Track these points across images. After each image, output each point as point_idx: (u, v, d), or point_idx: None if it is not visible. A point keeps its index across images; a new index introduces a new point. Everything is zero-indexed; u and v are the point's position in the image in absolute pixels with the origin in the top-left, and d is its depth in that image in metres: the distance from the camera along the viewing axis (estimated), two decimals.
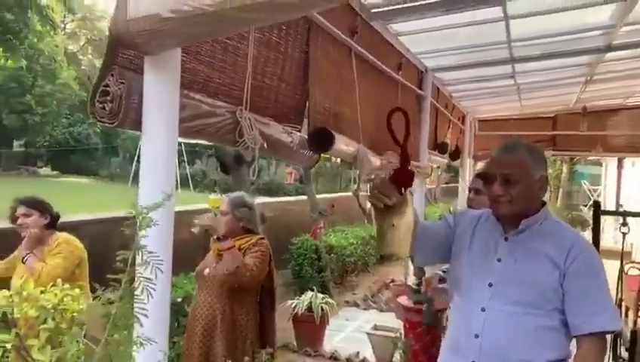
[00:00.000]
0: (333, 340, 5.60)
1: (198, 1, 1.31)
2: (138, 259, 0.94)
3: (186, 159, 26.92)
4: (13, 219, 3.08)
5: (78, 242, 3.11)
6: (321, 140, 2.55)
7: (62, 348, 1.59)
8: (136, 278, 0.91)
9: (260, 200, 10.61)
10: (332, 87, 2.88)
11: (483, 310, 1.78)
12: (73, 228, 4.67)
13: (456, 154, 6.75)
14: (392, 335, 4.89)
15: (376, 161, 3.43)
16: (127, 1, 1.38)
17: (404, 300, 4.05)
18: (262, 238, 2.99)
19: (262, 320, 2.98)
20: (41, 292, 2.46)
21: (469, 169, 7.93)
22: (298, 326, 5.42)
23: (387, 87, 3.87)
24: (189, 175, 26.58)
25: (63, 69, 29.39)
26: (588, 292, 1.72)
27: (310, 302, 5.37)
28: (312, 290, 5.56)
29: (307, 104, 2.62)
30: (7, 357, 1.89)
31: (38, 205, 3.09)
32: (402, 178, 1.78)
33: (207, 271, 2.91)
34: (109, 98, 1.48)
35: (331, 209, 10.71)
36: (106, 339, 0.87)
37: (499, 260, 1.82)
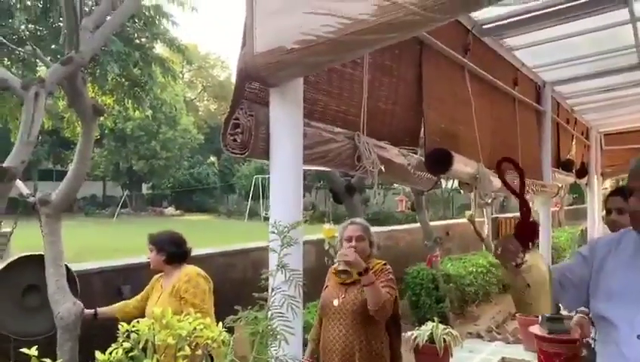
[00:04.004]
0: None
1: (320, 30, 1.36)
2: (279, 279, 0.96)
3: None
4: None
5: (204, 274, 3.27)
6: (439, 161, 2.49)
7: None
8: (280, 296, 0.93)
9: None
10: (447, 107, 2.82)
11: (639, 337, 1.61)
12: (198, 260, 4.99)
13: (582, 172, 6.27)
14: None
15: (497, 180, 3.28)
16: (254, 37, 1.46)
17: (536, 329, 3.77)
18: (385, 263, 2.98)
19: (391, 346, 2.95)
20: (179, 320, 2.61)
21: (597, 187, 7.32)
22: (420, 357, 5.24)
23: (504, 103, 3.72)
24: None
25: (183, 115, 31.94)
26: None
27: (431, 333, 5.19)
28: (432, 321, 5.38)
29: (422, 125, 2.58)
30: None
31: (156, 242, 3.30)
32: (526, 231, 1.67)
33: (336, 302, 2.88)
34: (239, 130, 1.56)
35: (446, 236, 10.41)
36: (254, 358, 0.89)
37: None
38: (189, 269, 3.24)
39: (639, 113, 6.50)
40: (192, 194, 34.45)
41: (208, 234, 16.95)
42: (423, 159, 2.53)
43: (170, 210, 32.49)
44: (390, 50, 2.32)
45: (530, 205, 1.78)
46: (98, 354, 2.52)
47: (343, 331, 2.81)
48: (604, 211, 3.01)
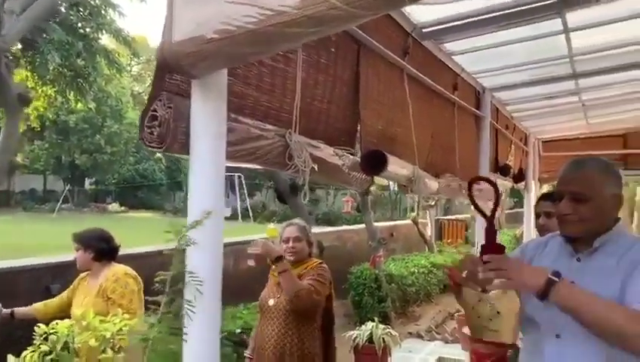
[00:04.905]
0: None
1: (241, 21, 1.30)
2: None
3: (246, 192, 27.46)
4: None
5: (133, 273, 3.13)
6: (373, 162, 2.48)
7: None
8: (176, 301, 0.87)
9: (319, 229, 10.61)
10: (384, 109, 2.82)
11: (558, 336, 1.66)
12: (135, 259, 4.81)
13: (519, 177, 6.47)
14: None
15: (433, 183, 3.31)
16: (173, 25, 1.39)
17: (469, 330, 3.83)
18: (321, 262, 3.01)
19: (324, 344, 2.98)
20: (101, 322, 2.48)
21: (535, 192, 7.57)
22: (359, 357, 5.27)
23: (443, 108, 3.77)
24: (249, 207, 27.04)
25: (130, 109, 30.98)
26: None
27: (371, 333, 5.22)
28: (373, 321, 5.41)
29: (359, 126, 2.56)
30: None
31: (83, 240, 3.15)
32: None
33: (271, 301, 2.92)
34: (157, 123, 1.49)
35: (390, 237, 10.53)
36: None
37: (571, 283, 1.67)
38: (117, 269, 3.11)
39: (575, 121, 6.78)
40: (137, 191, 33.46)
41: (151, 232, 16.52)
42: (359, 160, 2.52)
43: (114, 206, 31.40)
44: (326, 49, 2.29)
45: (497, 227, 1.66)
46: (10, 358, 2.35)
47: (276, 330, 2.84)
48: (535, 215, 3.08)
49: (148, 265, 3.36)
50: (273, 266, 2.89)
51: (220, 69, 1.50)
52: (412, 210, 11.55)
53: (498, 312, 1.56)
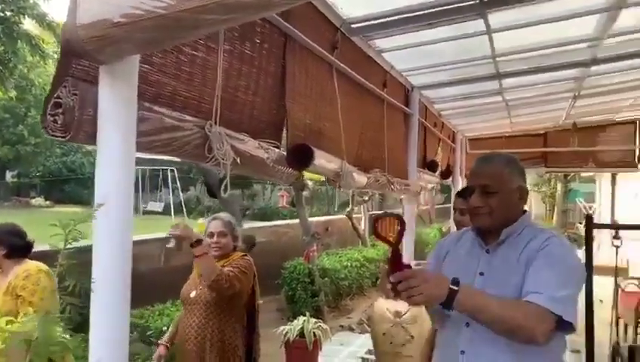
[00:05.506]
0: None
1: (150, 5, 1.24)
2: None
3: (179, 186, 26.78)
4: None
5: (46, 269, 2.96)
6: (300, 156, 2.47)
7: None
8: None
9: (255, 224, 10.48)
10: (312, 103, 2.80)
11: (467, 325, 1.71)
12: (55, 256, 4.57)
13: (447, 173, 6.69)
14: None
15: (362, 178, 3.34)
16: (78, 7, 1.31)
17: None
18: (244, 255, 2.99)
19: (247, 338, 2.97)
20: (8, 322, 2.33)
21: (461, 188, 7.87)
22: (290, 352, 5.27)
23: (372, 104, 3.81)
24: (182, 201, 26.38)
25: None
26: (538, 274, 1.61)
27: (302, 328, 5.23)
28: (305, 315, 5.42)
29: (285, 119, 2.54)
30: None
31: None
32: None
33: (193, 293, 2.90)
34: (60, 110, 1.40)
35: (325, 232, 10.60)
36: None
37: (481, 274, 1.75)
38: (29, 265, 2.93)
39: (499, 120, 7.08)
40: (64, 185, 31.83)
41: (79, 228, 15.78)
42: (285, 153, 2.49)
43: (39, 200, 29.71)
44: (251, 40, 2.25)
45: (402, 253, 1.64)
46: None
47: (197, 321, 2.84)
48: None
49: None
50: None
51: (129, 55, 1.42)
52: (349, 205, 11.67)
53: (412, 336, 1.56)
